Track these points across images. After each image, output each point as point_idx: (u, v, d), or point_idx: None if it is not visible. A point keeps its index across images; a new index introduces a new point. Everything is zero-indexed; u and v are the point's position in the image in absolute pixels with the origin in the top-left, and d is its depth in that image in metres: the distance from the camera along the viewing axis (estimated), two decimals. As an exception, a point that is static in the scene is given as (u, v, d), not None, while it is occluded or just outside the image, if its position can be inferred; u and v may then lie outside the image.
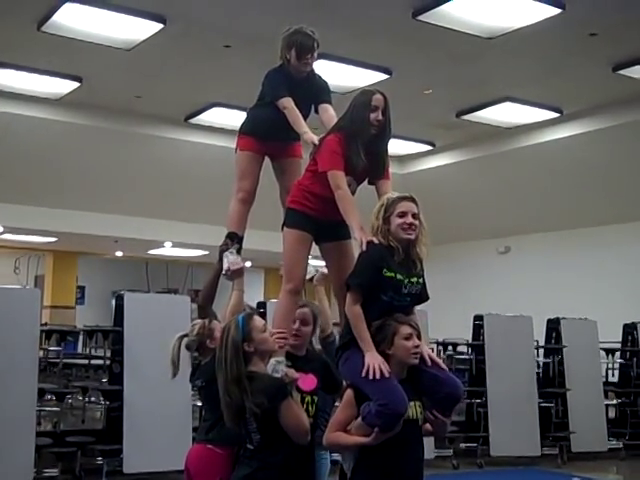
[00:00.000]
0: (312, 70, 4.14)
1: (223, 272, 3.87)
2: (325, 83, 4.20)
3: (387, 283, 3.23)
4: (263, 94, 4.17)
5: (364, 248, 3.29)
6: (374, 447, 3.10)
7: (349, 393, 3.21)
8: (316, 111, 4.13)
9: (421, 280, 3.35)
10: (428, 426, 3.30)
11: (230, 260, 3.87)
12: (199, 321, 3.77)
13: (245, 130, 4.19)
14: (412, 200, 3.34)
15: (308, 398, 3.44)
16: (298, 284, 3.61)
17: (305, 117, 4.04)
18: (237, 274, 3.81)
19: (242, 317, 3.26)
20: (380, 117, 3.53)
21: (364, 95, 3.60)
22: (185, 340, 3.71)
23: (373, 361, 3.11)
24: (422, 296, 3.41)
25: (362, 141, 3.54)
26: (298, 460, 3.18)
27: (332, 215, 3.54)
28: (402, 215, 3.28)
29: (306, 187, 3.65)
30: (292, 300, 3.60)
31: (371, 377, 3.08)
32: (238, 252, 3.96)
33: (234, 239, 4.02)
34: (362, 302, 3.24)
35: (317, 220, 3.62)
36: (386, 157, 3.68)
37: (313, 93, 4.12)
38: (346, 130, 3.56)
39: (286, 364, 3.31)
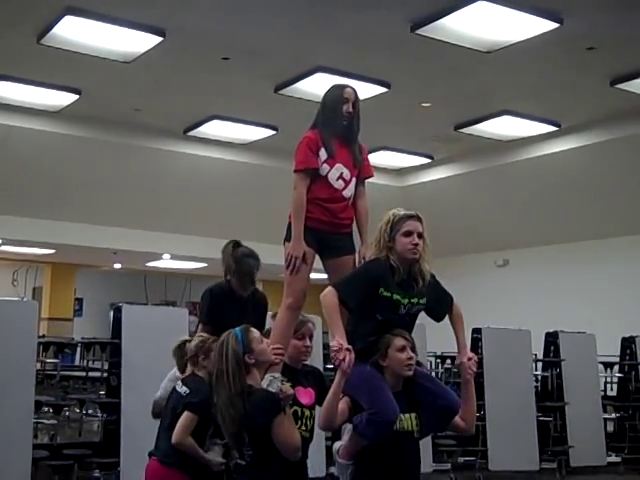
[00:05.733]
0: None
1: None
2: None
3: (383, 303, 3.22)
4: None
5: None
6: (370, 460, 3.12)
7: (346, 398, 3.21)
8: None
9: (423, 300, 3.32)
10: (459, 420, 3.31)
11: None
12: (205, 335, 3.87)
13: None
14: (418, 219, 3.34)
15: (307, 412, 3.43)
16: (298, 298, 3.58)
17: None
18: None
19: (240, 330, 3.25)
20: (350, 109, 3.70)
21: (336, 89, 3.79)
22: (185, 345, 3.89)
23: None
24: (439, 313, 3.47)
25: (334, 130, 3.68)
26: (291, 477, 3.17)
27: (334, 227, 3.56)
28: (408, 234, 3.27)
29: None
30: (292, 315, 3.56)
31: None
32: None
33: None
34: (357, 319, 3.24)
35: (319, 233, 3.60)
36: (360, 153, 3.78)
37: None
38: (320, 123, 3.72)
39: (282, 380, 3.29)
